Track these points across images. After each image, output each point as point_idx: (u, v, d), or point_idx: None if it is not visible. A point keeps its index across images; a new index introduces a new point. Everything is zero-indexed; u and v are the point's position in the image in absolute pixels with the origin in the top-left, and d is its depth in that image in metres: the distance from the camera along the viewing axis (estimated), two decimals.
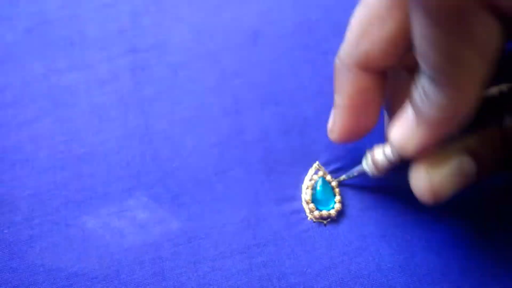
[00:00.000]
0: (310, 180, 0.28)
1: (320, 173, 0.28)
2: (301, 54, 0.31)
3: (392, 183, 0.28)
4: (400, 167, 0.24)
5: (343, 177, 0.28)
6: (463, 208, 0.27)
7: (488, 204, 0.27)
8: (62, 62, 0.31)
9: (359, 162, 0.26)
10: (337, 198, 0.27)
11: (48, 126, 0.29)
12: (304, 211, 0.27)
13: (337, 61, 0.25)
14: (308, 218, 0.27)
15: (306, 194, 0.27)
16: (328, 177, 0.28)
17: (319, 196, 0.27)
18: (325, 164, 0.29)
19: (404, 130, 0.21)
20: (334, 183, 0.28)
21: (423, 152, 0.22)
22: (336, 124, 0.26)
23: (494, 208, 0.27)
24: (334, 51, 0.31)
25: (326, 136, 0.29)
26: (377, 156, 0.24)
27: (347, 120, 0.25)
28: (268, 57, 0.31)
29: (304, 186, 0.27)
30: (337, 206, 0.27)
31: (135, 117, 0.29)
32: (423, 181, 0.22)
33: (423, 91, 0.19)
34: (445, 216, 0.27)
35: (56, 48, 0.31)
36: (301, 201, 0.27)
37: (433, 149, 0.22)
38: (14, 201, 0.27)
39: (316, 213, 0.27)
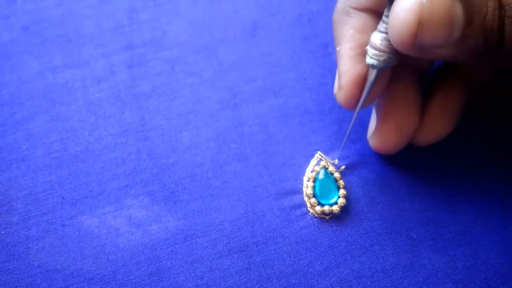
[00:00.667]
0: (312, 171, 0.26)
1: (323, 163, 0.27)
2: (300, 46, 0.30)
3: (397, 176, 0.27)
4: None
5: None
6: (468, 207, 0.26)
7: (494, 203, 0.26)
8: (58, 59, 0.30)
9: (362, 152, 0.25)
10: (341, 192, 0.26)
11: (44, 124, 0.29)
12: (305, 205, 0.26)
13: (334, 14, 0.24)
14: (310, 213, 0.26)
15: (307, 188, 0.26)
16: (331, 168, 0.26)
17: (320, 188, 0.26)
18: (327, 154, 0.27)
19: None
20: (337, 174, 0.26)
21: None
22: (343, 76, 0.24)
23: (499, 207, 0.26)
24: (333, 42, 0.30)
25: (327, 126, 0.28)
26: (374, 40, 0.22)
27: (353, 68, 0.23)
28: (267, 49, 0.30)
29: (305, 178, 0.26)
30: (341, 201, 0.26)
31: (131, 114, 0.29)
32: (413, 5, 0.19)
33: None
34: (450, 214, 0.26)
35: (52, 46, 0.31)
36: (302, 195, 0.26)
37: None
38: (11, 201, 0.27)
39: (318, 208, 0.26)
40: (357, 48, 0.23)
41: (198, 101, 0.29)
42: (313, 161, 0.27)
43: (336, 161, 0.27)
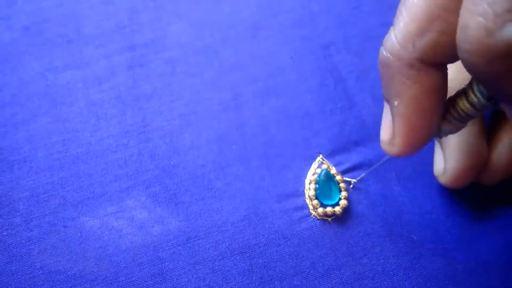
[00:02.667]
0: (314, 174, 0.26)
1: (324, 166, 0.27)
2: (302, 47, 0.30)
3: (397, 180, 0.27)
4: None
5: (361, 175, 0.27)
6: (469, 209, 0.26)
7: (493, 206, 0.26)
8: (60, 60, 0.30)
9: (363, 153, 0.25)
10: (343, 194, 0.26)
11: (45, 125, 0.29)
12: (307, 207, 0.26)
13: (388, 56, 0.19)
14: (312, 215, 0.26)
15: (309, 190, 0.26)
16: (333, 171, 0.27)
17: (322, 189, 0.26)
18: (328, 157, 0.27)
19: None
20: (338, 177, 0.26)
21: None
22: (398, 136, 0.20)
23: (499, 210, 0.26)
24: (335, 43, 0.30)
25: (328, 128, 0.28)
26: (461, 105, 0.19)
27: (413, 129, 0.20)
28: (268, 51, 0.30)
29: (307, 181, 0.26)
30: (343, 202, 0.26)
31: (132, 115, 0.29)
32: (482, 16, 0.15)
33: None
34: (450, 217, 0.26)
35: (53, 46, 0.30)
36: (304, 197, 0.26)
37: None
38: (13, 202, 0.27)
39: (320, 210, 0.26)
40: (419, 111, 0.20)
41: (200, 102, 0.29)
42: (315, 164, 0.27)
43: (356, 181, 0.27)
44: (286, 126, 0.28)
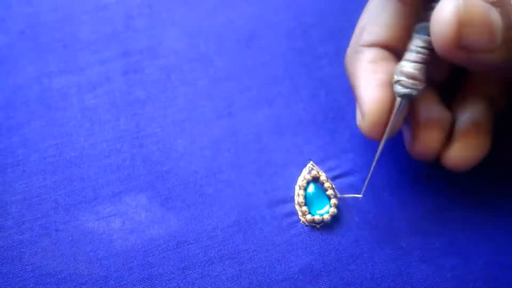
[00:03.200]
0: (303, 180, 0.27)
1: (314, 172, 0.27)
2: (294, 58, 0.31)
3: (387, 186, 0.27)
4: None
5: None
6: (457, 218, 0.26)
7: (482, 214, 0.26)
8: (54, 65, 0.30)
9: (354, 160, 0.26)
10: (332, 201, 0.26)
11: (39, 129, 0.29)
12: (296, 214, 0.26)
13: (346, 59, 0.26)
14: (301, 221, 0.26)
15: (298, 196, 0.26)
16: (323, 177, 0.27)
17: (310, 200, 0.26)
18: (319, 163, 0.28)
19: None
20: (328, 184, 0.27)
21: None
22: (366, 105, 0.24)
23: (487, 218, 0.26)
24: (327, 55, 0.31)
25: (320, 137, 0.28)
26: (407, 69, 0.22)
27: (377, 95, 0.24)
28: (262, 60, 0.31)
29: (297, 187, 0.27)
30: (332, 210, 0.26)
31: (126, 120, 0.29)
32: (452, 6, 0.20)
33: None
34: (438, 225, 0.26)
35: (48, 51, 0.31)
36: (294, 203, 0.27)
37: None
38: (5, 205, 0.27)
39: (309, 216, 0.26)
40: (376, 79, 0.24)
41: (193, 109, 0.29)
42: (305, 170, 0.27)
43: (361, 196, 0.27)
44: (278, 134, 0.29)
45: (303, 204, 0.26)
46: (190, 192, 0.27)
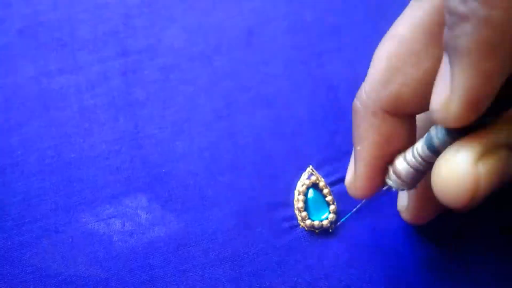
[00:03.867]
0: (303, 185, 0.27)
1: (314, 177, 0.27)
2: (294, 55, 0.31)
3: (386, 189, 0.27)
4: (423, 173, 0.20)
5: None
6: (458, 222, 0.26)
7: (484, 215, 0.27)
8: (53, 64, 0.30)
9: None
10: (332, 207, 0.26)
11: (38, 130, 0.29)
12: (296, 218, 0.27)
13: (358, 104, 0.21)
14: (300, 226, 0.26)
15: (298, 202, 0.26)
16: (322, 183, 0.27)
17: (310, 207, 0.27)
18: (318, 167, 0.28)
19: (440, 91, 0.17)
20: (326, 190, 0.27)
21: (480, 109, 0.16)
22: (359, 179, 0.22)
23: (489, 219, 0.26)
24: (328, 52, 0.30)
25: (319, 138, 0.28)
26: (399, 166, 0.20)
27: (373, 174, 0.21)
28: (261, 58, 0.30)
29: (296, 192, 0.27)
30: (331, 216, 0.26)
31: (125, 121, 0.29)
32: (468, 171, 0.17)
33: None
34: (438, 230, 0.26)
35: (47, 50, 0.31)
36: (293, 208, 0.27)
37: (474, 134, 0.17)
38: (4, 207, 0.27)
39: (308, 222, 0.26)
40: (379, 158, 0.21)
41: (192, 109, 0.29)
42: (304, 175, 0.27)
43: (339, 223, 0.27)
44: (278, 135, 0.29)
45: (302, 209, 0.26)
46: (190, 194, 0.27)
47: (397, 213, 0.26)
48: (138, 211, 0.27)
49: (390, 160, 0.21)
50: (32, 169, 0.28)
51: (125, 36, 0.31)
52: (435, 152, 0.19)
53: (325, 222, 0.26)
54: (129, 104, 0.29)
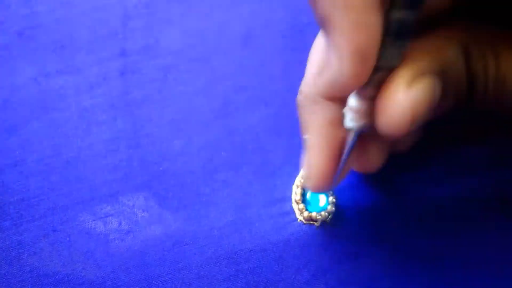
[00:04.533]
0: (301, 179, 0.27)
1: None
2: (292, 56, 0.31)
3: (387, 185, 0.27)
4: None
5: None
6: (461, 215, 0.26)
7: (487, 208, 0.26)
8: (52, 65, 0.30)
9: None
10: (330, 199, 0.26)
11: (37, 130, 0.29)
12: (294, 213, 0.26)
13: (300, 97, 0.22)
14: (298, 220, 0.26)
15: (295, 194, 0.26)
16: None
17: (308, 199, 0.26)
18: None
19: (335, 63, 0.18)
20: None
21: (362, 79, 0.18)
22: (313, 168, 0.22)
23: (493, 212, 0.26)
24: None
25: None
26: (351, 101, 0.20)
27: (325, 160, 0.22)
28: (259, 59, 0.30)
29: (294, 186, 0.27)
30: (330, 207, 0.26)
31: (123, 121, 0.29)
32: (404, 100, 0.18)
33: None
34: (442, 222, 0.26)
35: (46, 51, 0.31)
36: (291, 202, 0.27)
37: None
38: (3, 206, 0.27)
39: (306, 214, 0.26)
40: (328, 142, 0.22)
41: (190, 109, 0.29)
42: (303, 170, 0.27)
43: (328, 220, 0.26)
44: (275, 134, 0.28)
45: (300, 201, 0.26)
46: (187, 192, 0.27)
47: (398, 209, 0.26)
48: (135, 210, 0.27)
49: (337, 144, 0.22)
50: (30, 169, 0.28)
51: (123, 37, 0.31)
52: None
53: (323, 214, 0.26)
54: (127, 104, 0.29)
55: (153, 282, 0.25)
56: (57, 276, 0.26)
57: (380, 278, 0.25)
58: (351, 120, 0.21)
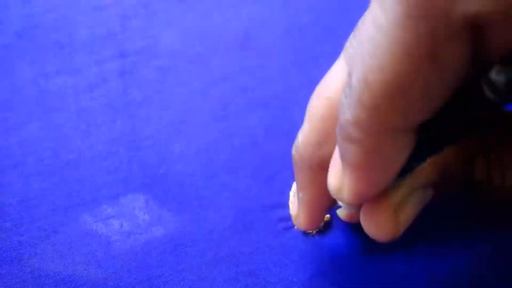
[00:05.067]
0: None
1: None
2: (291, 57, 0.31)
3: None
4: None
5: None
6: (458, 212, 0.27)
7: (469, 214, 0.27)
8: (51, 66, 0.31)
9: None
10: None
11: (37, 131, 0.29)
12: (291, 219, 0.27)
13: (296, 155, 0.22)
14: (295, 226, 0.27)
15: (292, 203, 0.27)
16: None
17: None
18: None
19: (334, 175, 0.19)
20: None
21: (367, 199, 0.19)
22: (302, 217, 0.24)
23: (475, 217, 0.27)
24: (324, 54, 0.31)
25: None
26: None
27: (314, 214, 0.24)
28: (258, 61, 0.31)
29: (291, 193, 0.27)
30: (326, 216, 0.27)
31: (122, 122, 0.29)
32: (390, 224, 0.19)
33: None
34: (440, 220, 0.26)
35: (45, 52, 0.31)
36: (289, 209, 0.27)
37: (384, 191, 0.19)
38: (3, 207, 0.27)
39: None
40: (320, 203, 0.23)
41: (189, 111, 0.29)
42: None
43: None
44: (274, 137, 0.29)
45: None
46: (187, 195, 0.28)
47: None
48: (136, 212, 0.27)
49: (331, 203, 0.23)
50: (30, 170, 0.28)
51: (122, 37, 0.31)
52: None
53: None
54: (127, 105, 0.30)
55: (155, 283, 0.26)
56: (58, 277, 0.26)
57: (378, 281, 0.26)
58: (342, 205, 0.23)
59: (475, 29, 0.13)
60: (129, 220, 0.27)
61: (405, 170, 0.18)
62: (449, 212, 0.27)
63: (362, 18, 0.15)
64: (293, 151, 0.22)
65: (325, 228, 0.27)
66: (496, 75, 0.14)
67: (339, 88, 0.20)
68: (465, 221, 0.27)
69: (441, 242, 0.26)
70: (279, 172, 0.28)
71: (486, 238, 0.26)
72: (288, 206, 0.27)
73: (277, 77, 0.30)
